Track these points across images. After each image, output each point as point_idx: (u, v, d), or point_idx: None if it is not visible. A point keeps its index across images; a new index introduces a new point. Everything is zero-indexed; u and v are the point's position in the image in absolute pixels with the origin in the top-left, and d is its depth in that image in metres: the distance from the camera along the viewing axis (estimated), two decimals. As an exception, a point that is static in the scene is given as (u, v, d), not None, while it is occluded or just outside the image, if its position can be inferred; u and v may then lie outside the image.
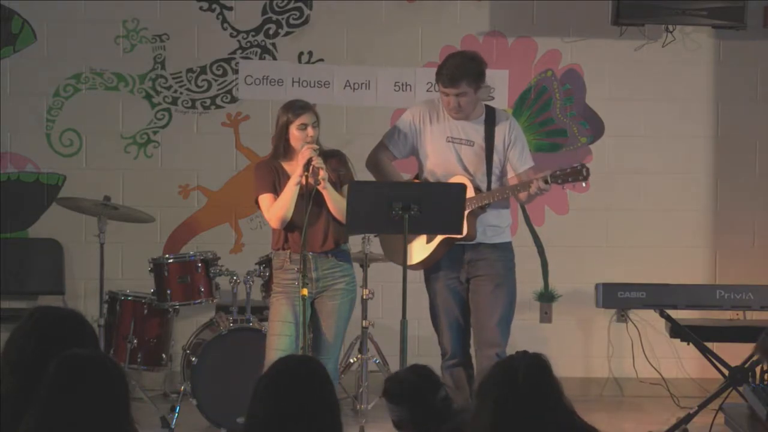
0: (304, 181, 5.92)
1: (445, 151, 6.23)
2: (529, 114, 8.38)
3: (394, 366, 7.03)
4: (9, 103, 8.20)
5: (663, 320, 7.15)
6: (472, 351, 6.30)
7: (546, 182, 5.99)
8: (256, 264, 7.26)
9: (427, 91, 8.10)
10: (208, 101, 8.33)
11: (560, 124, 8.41)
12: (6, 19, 8.19)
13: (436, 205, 5.87)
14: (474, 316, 6.23)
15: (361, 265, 7.13)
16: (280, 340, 5.99)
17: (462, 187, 5.95)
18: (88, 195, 7.64)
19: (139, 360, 7.37)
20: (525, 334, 7.62)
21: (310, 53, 8.32)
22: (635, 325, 8.28)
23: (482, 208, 6.13)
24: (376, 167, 6.36)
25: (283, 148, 6.09)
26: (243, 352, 6.89)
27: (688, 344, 7.26)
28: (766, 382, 6.94)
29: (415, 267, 6.22)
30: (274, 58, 8.32)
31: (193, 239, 8.31)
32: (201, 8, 8.27)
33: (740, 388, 6.82)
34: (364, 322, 7.08)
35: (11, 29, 8.21)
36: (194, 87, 8.31)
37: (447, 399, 4.34)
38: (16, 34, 8.22)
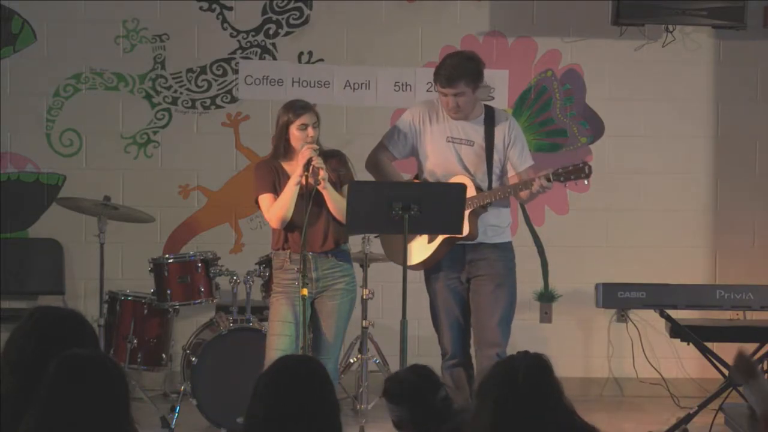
0: (304, 181, 5.92)
1: (445, 151, 6.23)
2: (529, 114, 8.38)
3: (394, 366, 7.03)
4: (9, 103, 8.20)
5: (663, 320, 7.15)
6: (472, 351, 6.30)
7: (548, 180, 5.98)
8: (256, 264, 7.26)
9: (427, 91, 8.10)
10: (208, 101, 8.33)
11: (560, 124, 8.41)
12: (6, 19, 8.19)
13: (436, 205, 5.87)
14: (474, 316, 6.23)
15: (361, 265, 7.13)
16: (280, 340, 5.99)
17: (462, 187, 5.95)
18: (88, 195, 7.64)
19: (139, 360, 7.37)
20: (525, 334, 7.62)
21: (310, 53, 8.32)
22: (635, 325, 8.28)
23: (484, 207, 6.13)
24: (376, 167, 6.36)
25: (283, 148, 6.09)
26: (243, 352, 6.89)
27: (688, 344, 7.26)
28: (766, 382, 6.95)
29: (416, 267, 6.22)
30: (274, 58, 8.32)
31: (193, 239, 8.31)
32: (201, 8, 8.27)
33: (740, 388, 6.81)
34: (364, 322, 7.08)
35: (11, 29, 8.21)
36: (194, 87, 8.31)
37: (447, 399, 4.34)
38: (16, 34, 8.22)
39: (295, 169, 5.98)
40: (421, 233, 6.13)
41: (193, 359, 7.07)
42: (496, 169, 6.23)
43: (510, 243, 6.33)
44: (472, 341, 6.28)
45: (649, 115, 8.41)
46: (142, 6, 8.24)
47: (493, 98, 8.15)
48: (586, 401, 7.80)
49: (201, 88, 8.31)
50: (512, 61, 8.36)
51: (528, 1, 8.34)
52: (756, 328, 7.51)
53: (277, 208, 6.01)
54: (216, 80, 8.31)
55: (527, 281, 7.87)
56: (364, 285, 7.03)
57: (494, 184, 6.21)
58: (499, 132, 6.23)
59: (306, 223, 5.87)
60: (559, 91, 8.39)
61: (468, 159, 6.22)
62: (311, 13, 8.32)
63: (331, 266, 6.09)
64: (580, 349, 8.41)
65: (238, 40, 8.29)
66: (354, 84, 8.33)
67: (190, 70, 8.30)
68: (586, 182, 6.14)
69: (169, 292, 7.25)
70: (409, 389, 4.30)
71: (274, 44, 8.31)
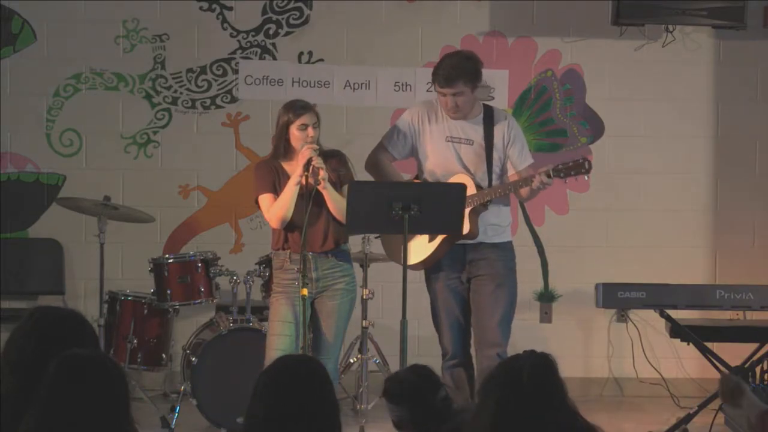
0: (304, 181, 5.92)
1: (444, 151, 6.23)
2: (529, 114, 8.38)
3: (394, 366, 7.02)
4: (9, 103, 8.20)
5: (663, 320, 7.14)
6: (472, 351, 6.30)
7: (548, 176, 5.99)
8: (256, 264, 7.26)
9: (427, 91, 8.09)
10: (208, 101, 8.33)
11: (560, 124, 8.41)
12: (6, 19, 8.19)
13: (436, 205, 5.87)
14: (475, 316, 6.23)
15: (361, 265, 7.13)
16: (280, 340, 5.99)
17: (462, 187, 5.95)
18: (88, 195, 7.63)
19: (139, 360, 7.37)
20: (525, 334, 7.61)
21: (310, 53, 8.31)
22: (635, 325, 8.28)
23: (484, 205, 6.13)
24: (376, 168, 6.36)
25: (283, 148, 6.09)
26: (243, 352, 6.89)
27: (688, 344, 7.25)
28: (766, 382, 6.96)
29: (416, 266, 6.22)
30: (274, 58, 8.32)
31: (193, 239, 8.31)
32: (201, 8, 8.27)
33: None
34: (364, 322, 7.08)
35: (11, 29, 8.21)
36: (194, 87, 8.31)
37: (447, 399, 4.34)
38: (16, 34, 8.22)
39: (295, 169, 5.98)
40: (421, 233, 6.13)
41: (193, 359, 7.07)
42: (496, 168, 6.23)
43: (510, 243, 6.33)
44: (472, 341, 6.28)
45: (649, 115, 8.41)
46: (142, 6, 8.24)
47: (493, 98, 8.16)
48: (586, 401, 7.80)
49: (201, 88, 8.31)
50: (512, 61, 8.36)
51: (528, 1, 8.34)
52: (756, 328, 7.50)
53: (277, 208, 6.01)
54: (216, 80, 8.31)
55: (527, 281, 7.86)
56: (364, 285, 7.03)
57: (494, 183, 6.21)
58: (499, 131, 6.23)
59: (306, 223, 5.87)
60: (559, 91, 8.39)
61: (468, 158, 6.22)
62: (311, 13, 8.32)
63: (331, 266, 6.10)
64: (580, 349, 8.41)
65: (238, 40, 8.29)
66: (354, 84, 8.33)
67: (190, 70, 8.30)
68: (586, 178, 6.14)
69: (169, 292, 7.25)
70: (409, 389, 4.30)
71: (274, 44, 8.31)
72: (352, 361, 7.50)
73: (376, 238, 6.96)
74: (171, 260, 7.31)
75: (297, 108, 6.06)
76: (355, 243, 6.65)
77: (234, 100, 8.32)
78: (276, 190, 6.05)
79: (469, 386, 6.23)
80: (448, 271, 6.22)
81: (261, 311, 7.27)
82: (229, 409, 6.77)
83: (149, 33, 8.26)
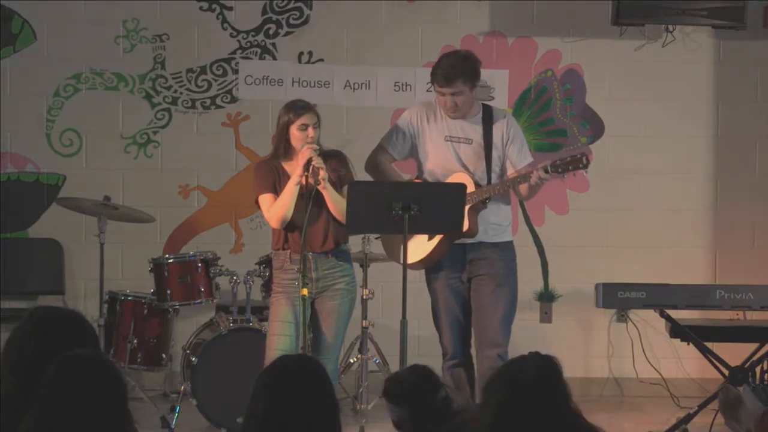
0: (304, 181, 5.92)
1: (444, 151, 6.23)
2: (529, 114, 8.38)
3: (394, 366, 7.02)
4: (9, 103, 8.20)
5: (663, 320, 7.15)
6: (473, 351, 6.29)
7: (546, 171, 5.98)
8: (256, 264, 7.26)
9: (427, 91, 8.08)
10: (208, 101, 8.33)
11: (560, 124, 8.41)
12: (6, 19, 8.19)
13: (436, 205, 5.87)
14: (475, 316, 6.23)
15: (361, 265, 7.13)
16: (280, 340, 5.99)
17: (462, 187, 5.95)
18: (88, 195, 7.64)
19: (139, 360, 7.36)
20: (525, 334, 7.61)
21: (310, 53, 8.32)
22: (635, 325, 8.28)
23: (483, 203, 6.12)
24: (376, 168, 6.35)
25: (283, 148, 6.09)
26: (243, 352, 6.89)
27: (688, 344, 7.26)
28: (766, 382, 6.96)
29: (416, 266, 6.22)
30: (274, 58, 8.32)
31: (193, 239, 8.31)
32: (201, 8, 8.27)
33: (740, 388, 6.80)
34: (364, 322, 7.08)
35: (11, 29, 8.21)
36: (194, 87, 8.31)
37: (447, 399, 4.34)
38: (16, 34, 8.22)
39: (295, 169, 5.98)
40: (421, 233, 6.13)
41: (193, 359, 7.07)
42: (495, 167, 6.23)
43: (511, 242, 6.33)
44: (472, 341, 6.28)
45: (649, 115, 8.41)
46: (142, 6, 8.24)
47: (493, 98, 8.15)
48: (586, 401, 7.78)
49: (201, 88, 8.31)
50: (512, 61, 8.36)
51: (528, 1, 8.34)
52: (756, 328, 7.51)
53: (277, 208, 6.01)
54: (216, 80, 8.31)
55: (527, 281, 7.86)
56: (364, 285, 7.03)
57: (493, 182, 6.21)
58: (498, 130, 6.23)
59: (306, 223, 5.87)
60: (559, 91, 8.39)
61: (467, 157, 6.21)
62: (311, 13, 8.32)
63: (331, 266, 6.10)
64: (580, 349, 8.41)
65: (238, 40, 8.29)
66: (354, 84, 8.33)
67: (190, 70, 8.30)
68: (584, 173, 6.14)
69: (169, 292, 7.25)
70: (409, 389, 4.30)
71: (274, 44, 8.31)
72: (352, 361, 7.50)
73: (376, 238, 6.96)
74: (171, 260, 7.31)
75: (297, 108, 6.06)
76: (355, 243, 6.65)
77: (234, 100, 8.32)
78: (276, 190, 6.05)
79: (470, 386, 6.23)
80: (449, 271, 6.22)
81: (261, 311, 7.27)
82: (229, 409, 6.77)
83: (149, 33, 8.26)
